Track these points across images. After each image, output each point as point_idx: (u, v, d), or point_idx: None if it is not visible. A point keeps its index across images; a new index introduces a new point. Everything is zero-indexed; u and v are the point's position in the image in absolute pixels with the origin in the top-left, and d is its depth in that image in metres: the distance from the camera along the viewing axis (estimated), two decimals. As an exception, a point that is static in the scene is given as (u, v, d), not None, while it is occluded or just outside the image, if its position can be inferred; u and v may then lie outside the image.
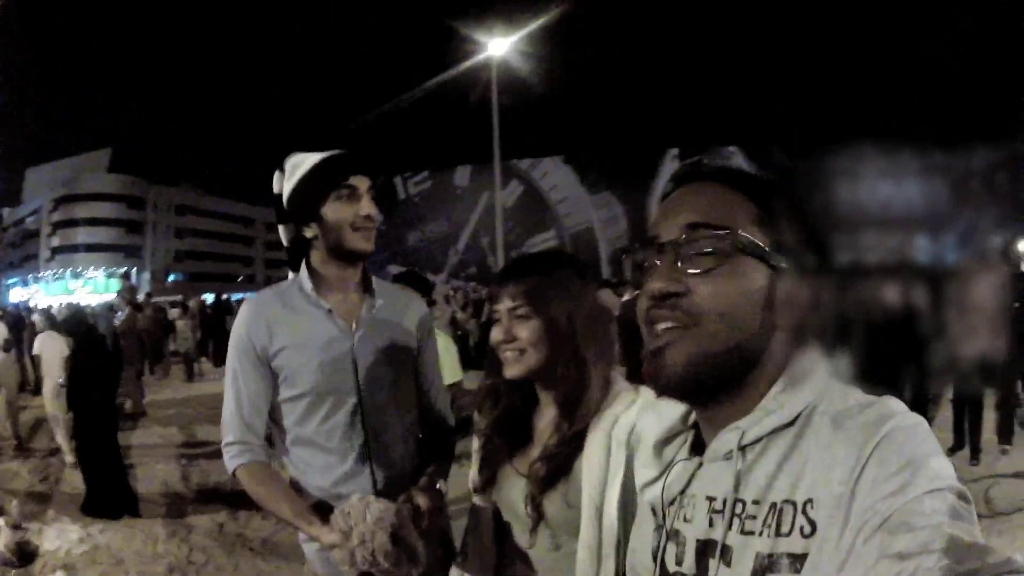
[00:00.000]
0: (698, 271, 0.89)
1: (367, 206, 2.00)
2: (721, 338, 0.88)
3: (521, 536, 1.65)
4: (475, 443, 1.80)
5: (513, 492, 1.65)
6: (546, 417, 1.68)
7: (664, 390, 0.93)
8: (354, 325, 2.05)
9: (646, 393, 1.56)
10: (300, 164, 2.03)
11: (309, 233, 2.04)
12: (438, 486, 2.01)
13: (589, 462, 1.52)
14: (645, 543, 1.03)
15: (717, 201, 0.93)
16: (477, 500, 1.78)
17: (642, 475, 1.08)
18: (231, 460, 1.99)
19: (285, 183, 2.05)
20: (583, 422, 1.56)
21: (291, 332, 2.00)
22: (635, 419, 1.51)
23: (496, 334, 1.63)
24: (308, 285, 2.04)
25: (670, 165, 35.27)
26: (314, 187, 2.00)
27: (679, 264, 0.90)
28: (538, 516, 1.59)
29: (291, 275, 2.13)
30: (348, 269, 2.08)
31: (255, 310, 2.03)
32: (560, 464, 1.57)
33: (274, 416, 2.07)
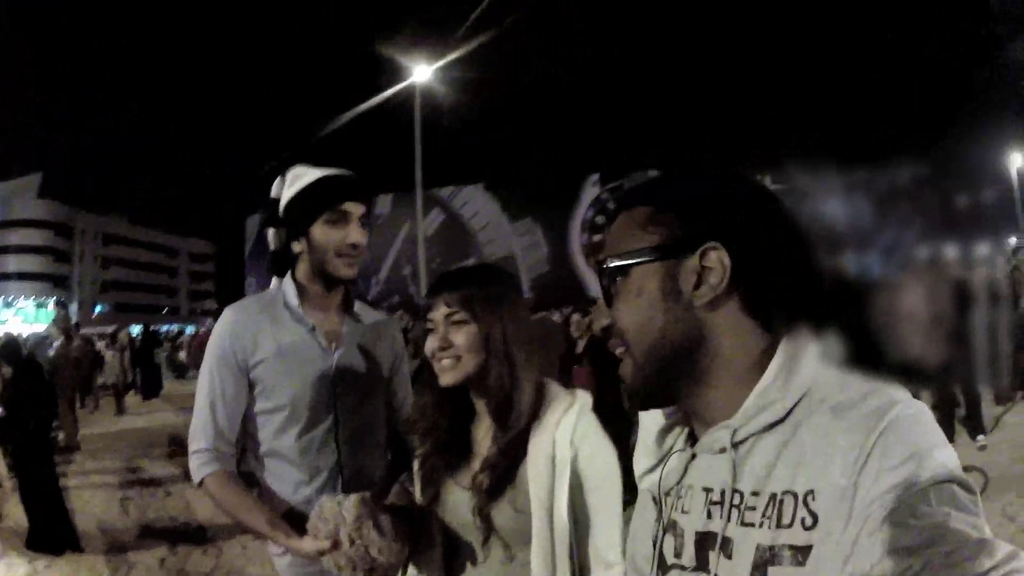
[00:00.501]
0: (616, 300, 0.94)
1: (355, 234, 2.00)
2: (644, 347, 0.91)
3: (472, 550, 1.65)
4: (414, 464, 1.78)
5: (460, 507, 1.63)
6: (482, 427, 1.69)
7: (632, 405, 0.97)
8: (334, 344, 2.06)
9: (582, 396, 1.63)
10: (300, 177, 2.02)
11: (297, 248, 2.05)
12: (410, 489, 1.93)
13: (535, 467, 1.53)
14: (646, 532, 1.02)
15: (619, 227, 0.95)
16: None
17: (640, 464, 1.07)
18: (201, 467, 1.94)
19: (284, 192, 2.04)
20: (518, 427, 1.58)
21: (274, 345, 1.99)
22: (575, 421, 1.56)
23: (432, 343, 1.63)
24: (294, 300, 2.04)
25: (591, 191, 35.96)
26: (307, 205, 1.99)
27: (608, 299, 0.95)
28: (488, 528, 1.58)
29: (274, 282, 2.12)
30: (332, 289, 2.08)
31: (239, 319, 2.01)
32: (503, 472, 1.57)
33: (247, 428, 2.04)
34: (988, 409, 7.80)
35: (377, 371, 2.16)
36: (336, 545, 1.64)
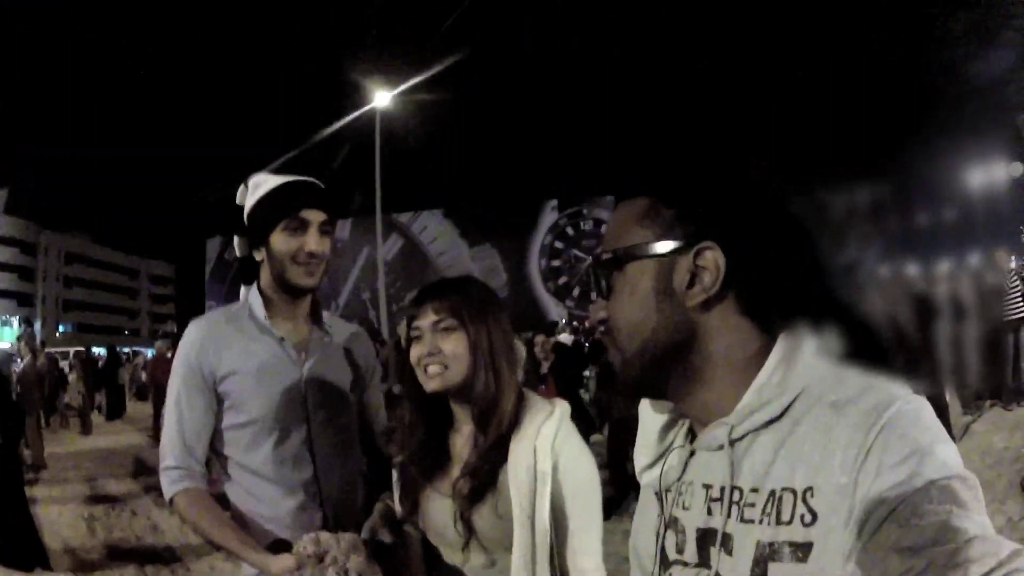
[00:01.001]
0: (611, 294, 0.93)
1: (313, 242, 1.92)
2: (634, 342, 0.90)
3: (453, 557, 1.65)
4: (394, 474, 1.79)
5: (440, 515, 1.64)
6: (463, 435, 1.69)
7: (623, 394, 0.97)
8: (304, 355, 1.99)
9: (561, 405, 1.64)
10: (260, 185, 1.97)
11: (258, 256, 1.98)
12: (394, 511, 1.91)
13: (516, 472, 1.55)
14: (648, 528, 1.00)
15: (618, 218, 0.95)
16: (404, 529, 1.75)
17: (640, 460, 1.05)
18: (171, 485, 1.86)
19: (247, 199, 1.99)
20: (498, 433, 1.59)
21: (241, 358, 1.92)
22: (556, 429, 1.58)
23: (419, 350, 1.63)
24: (261, 312, 1.97)
25: (549, 216, 36.23)
26: (267, 213, 1.93)
27: (603, 293, 0.94)
28: (469, 533, 1.58)
29: (243, 293, 2.05)
30: (297, 299, 2.01)
31: (204, 332, 1.95)
32: (484, 478, 1.58)
33: (216, 445, 1.97)
34: (956, 418, 7.86)
35: (349, 382, 2.09)
36: (319, 561, 1.58)
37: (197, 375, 1.91)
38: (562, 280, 35.47)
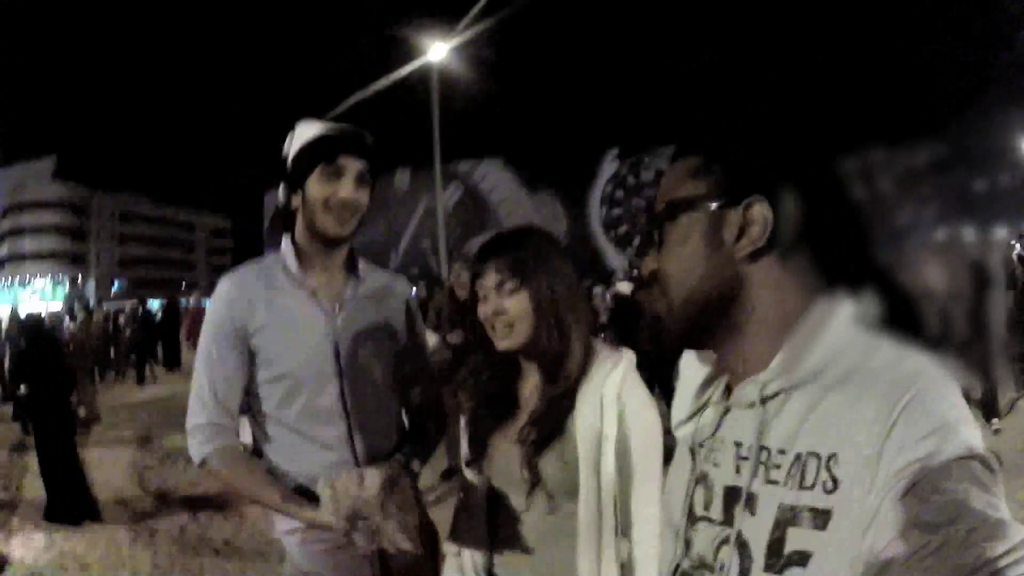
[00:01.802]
0: (662, 245, 0.96)
1: (347, 189, 1.90)
2: (682, 293, 0.93)
3: (517, 502, 1.68)
4: (460, 421, 1.84)
5: (507, 460, 1.68)
6: (530, 384, 1.74)
7: (666, 345, 0.99)
8: (337, 307, 1.97)
9: (628, 354, 1.68)
10: (304, 132, 1.95)
11: (294, 203, 1.96)
12: (413, 466, 1.97)
13: (583, 421, 1.59)
14: (680, 483, 1.03)
15: (670, 175, 0.98)
16: (468, 474, 1.81)
17: (677, 415, 1.09)
18: (202, 444, 1.87)
19: (291, 146, 1.96)
20: (567, 384, 1.63)
21: (272, 311, 1.91)
22: (622, 377, 1.61)
23: (486, 309, 1.67)
24: (293, 264, 1.96)
25: (610, 165, 35.74)
26: (305, 158, 1.92)
27: (656, 246, 0.97)
28: (535, 479, 1.62)
29: (283, 243, 2.02)
30: (331, 250, 1.99)
31: (236, 287, 1.94)
32: (552, 425, 1.62)
33: (251, 402, 1.98)
34: (1003, 393, 7.63)
35: (386, 332, 2.06)
36: (354, 522, 1.60)
37: (228, 330, 1.91)
38: (623, 229, 35.07)
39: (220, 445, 1.88)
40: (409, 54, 21.34)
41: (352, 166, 1.92)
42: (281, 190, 1.99)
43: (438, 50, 21.12)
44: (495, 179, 38.11)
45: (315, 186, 1.90)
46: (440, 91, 21.30)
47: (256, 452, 2.02)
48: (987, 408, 7.20)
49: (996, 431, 7.10)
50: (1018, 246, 11.36)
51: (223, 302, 1.93)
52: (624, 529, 1.60)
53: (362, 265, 2.08)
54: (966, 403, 0.77)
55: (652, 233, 0.97)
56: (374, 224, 37.58)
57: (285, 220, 2.01)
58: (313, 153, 1.91)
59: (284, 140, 1.99)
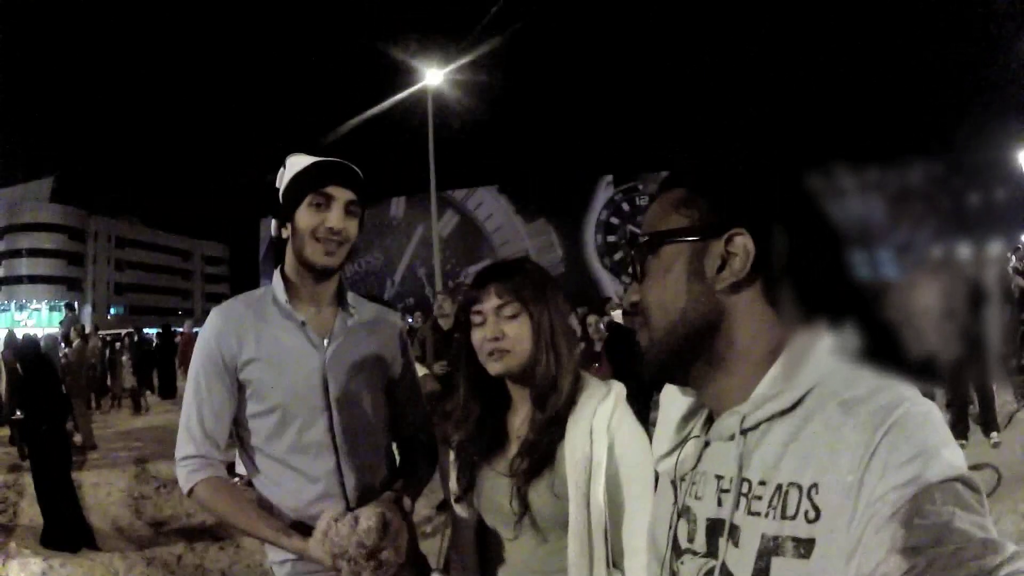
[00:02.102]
0: (643, 278, 0.97)
1: (336, 218, 1.90)
2: (664, 324, 0.93)
3: (506, 534, 1.68)
4: (449, 455, 1.81)
5: (496, 492, 1.67)
6: (520, 415, 1.73)
7: (648, 376, 1.00)
8: (326, 340, 1.97)
9: (617, 386, 1.67)
10: (295, 164, 1.96)
11: (284, 234, 1.97)
12: (404, 504, 1.86)
13: (572, 451, 1.58)
14: (664, 516, 1.03)
15: (655, 207, 0.99)
16: (458, 509, 1.79)
17: (658, 448, 1.08)
18: (190, 475, 1.87)
19: (282, 179, 1.98)
20: (556, 412, 1.63)
21: (261, 343, 1.91)
22: (612, 409, 1.61)
23: (482, 333, 1.66)
24: (283, 296, 1.96)
25: (604, 192, 35.98)
26: (294, 188, 1.93)
27: (639, 277, 0.98)
28: (524, 511, 1.61)
29: (275, 275, 2.03)
30: (320, 282, 1.99)
31: (224, 318, 1.94)
32: (542, 455, 1.61)
33: (240, 433, 1.98)
34: (1002, 406, 7.70)
35: (375, 365, 2.05)
36: (346, 562, 1.60)
37: (218, 362, 1.90)
38: (618, 256, 35.22)
39: (207, 476, 1.88)
40: (405, 81, 21.48)
41: (340, 196, 1.92)
42: (273, 223, 2.00)
43: (434, 76, 21.30)
44: (490, 206, 38.31)
45: (304, 216, 1.91)
46: (435, 118, 21.33)
47: (249, 483, 2.02)
48: (986, 422, 7.23)
49: (996, 444, 7.08)
50: (1014, 258, 11.35)
51: (212, 334, 1.92)
52: (616, 561, 1.59)
53: (351, 297, 2.07)
54: (948, 429, 0.77)
55: (635, 263, 0.98)
56: (370, 252, 37.76)
57: (277, 252, 2.04)
58: (302, 183, 1.92)
59: (279, 167, 1.99)
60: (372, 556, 1.59)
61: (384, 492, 1.92)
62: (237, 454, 2.07)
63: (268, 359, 1.91)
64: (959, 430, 7.11)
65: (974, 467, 6.42)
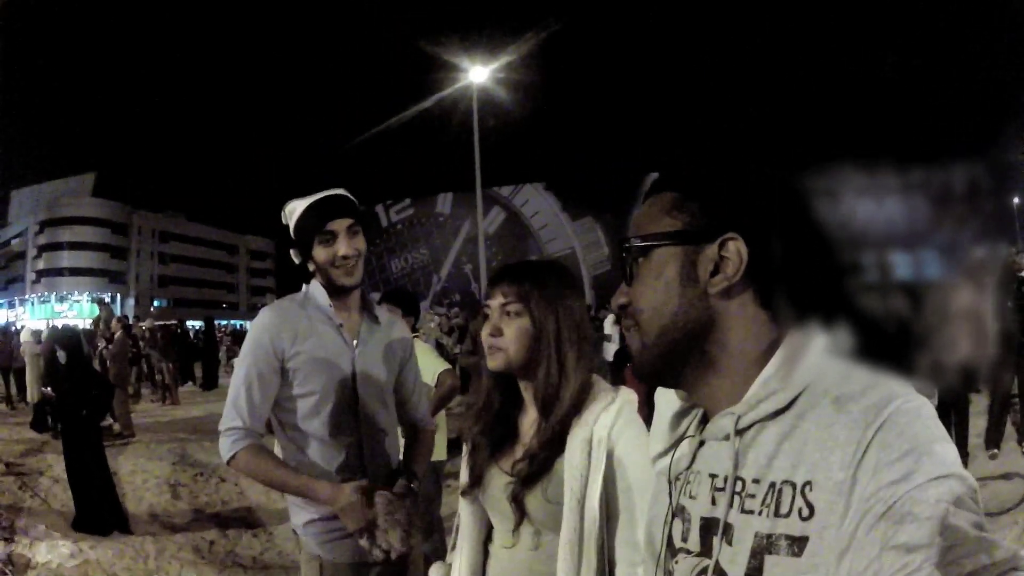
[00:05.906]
0: (633, 280, 0.97)
1: (344, 247, 2.33)
2: (656, 328, 0.94)
3: (504, 535, 1.74)
4: (464, 449, 1.87)
5: (498, 490, 1.72)
6: (529, 417, 1.77)
7: (640, 379, 1.02)
8: (355, 341, 2.43)
9: (624, 394, 1.68)
10: (294, 211, 2.39)
11: (311, 267, 2.41)
12: (413, 484, 2.40)
13: (571, 458, 1.60)
14: (659, 515, 1.04)
15: (646, 211, 1.00)
16: (465, 501, 1.85)
17: (654, 448, 1.10)
18: (234, 443, 2.25)
19: (289, 223, 2.41)
20: (558, 418, 1.65)
21: (310, 340, 2.33)
22: (615, 417, 1.62)
23: (485, 328, 1.74)
24: (325, 302, 2.40)
25: (650, 189, 35.63)
26: (303, 232, 2.36)
27: (628, 278, 0.99)
28: (520, 513, 1.67)
29: (304, 287, 2.47)
30: (348, 293, 2.43)
31: (280, 317, 2.36)
32: (540, 464, 1.65)
33: (279, 415, 2.38)
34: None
35: (390, 363, 2.53)
36: (366, 529, 2.12)
37: (268, 352, 2.30)
38: (664, 255, 34.82)
39: (251, 443, 2.26)
40: (450, 77, 21.61)
41: (341, 226, 2.34)
42: (293, 253, 2.45)
43: (478, 74, 21.42)
44: (537, 203, 38.24)
45: (319, 252, 2.36)
46: (481, 114, 21.42)
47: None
48: (1020, 429, 7.10)
49: (992, 455, 6.89)
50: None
51: (267, 330, 2.33)
52: (609, 568, 1.60)
53: (374, 307, 2.57)
54: (942, 425, 0.77)
55: (626, 266, 0.98)
56: (416, 248, 38.02)
57: (305, 273, 2.47)
58: (307, 228, 2.36)
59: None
60: (383, 523, 2.11)
61: (392, 461, 2.50)
62: (275, 441, 2.53)
63: (314, 353, 2.33)
64: (993, 438, 6.94)
65: (1003, 476, 6.31)
